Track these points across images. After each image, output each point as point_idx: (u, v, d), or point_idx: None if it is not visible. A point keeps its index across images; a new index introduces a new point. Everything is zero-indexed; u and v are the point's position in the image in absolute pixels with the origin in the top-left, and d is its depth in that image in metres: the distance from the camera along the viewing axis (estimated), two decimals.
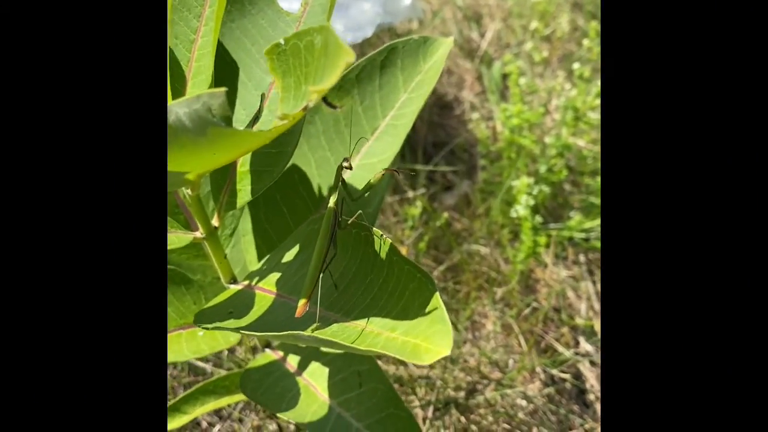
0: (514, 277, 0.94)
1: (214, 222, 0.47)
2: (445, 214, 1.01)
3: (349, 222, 0.39)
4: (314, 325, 0.38)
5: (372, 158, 0.53)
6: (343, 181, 0.39)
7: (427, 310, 0.33)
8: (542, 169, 1.01)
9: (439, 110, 1.27)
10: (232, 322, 0.42)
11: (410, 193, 1.09)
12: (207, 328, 0.41)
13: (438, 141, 1.20)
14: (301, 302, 0.38)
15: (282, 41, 0.27)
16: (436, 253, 1.01)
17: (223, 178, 0.46)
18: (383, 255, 0.38)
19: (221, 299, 0.48)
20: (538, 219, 0.93)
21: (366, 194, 0.41)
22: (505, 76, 1.29)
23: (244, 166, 0.45)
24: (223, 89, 0.23)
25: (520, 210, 0.85)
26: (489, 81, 1.28)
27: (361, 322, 0.37)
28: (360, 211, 0.39)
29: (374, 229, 0.39)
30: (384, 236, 0.38)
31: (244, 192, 0.45)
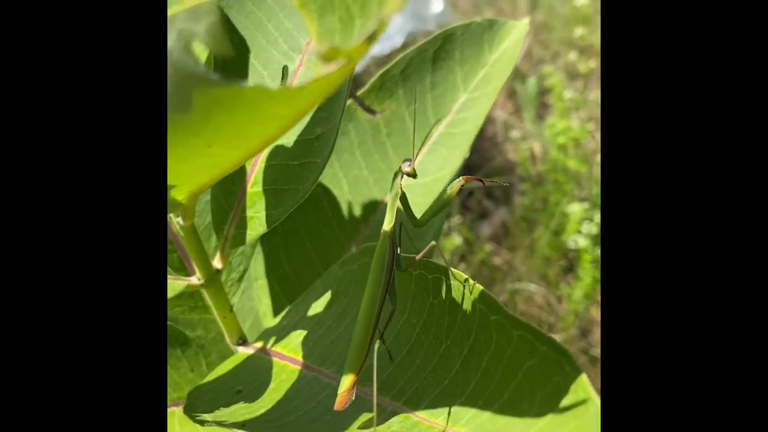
0: (571, 320, 0.80)
1: (216, 263, 0.35)
2: (487, 247, 0.88)
3: (416, 259, 0.26)
4: (366, 418, 0.25)
5: (425, 176, 0.41)
6: (404, 196, 0.26)
7: (563, 405, 0.20)
8: (596, 190, 0.88)
9: None
10: (240, 410, 0.29)
11: (444, 224, 0.96)
12: (205, 422, 0.28)
13: (471, 164, 1.08)
14: (346, 383, 0.25)
15: None
16: None
17: (229, 202, 0.34)
18: (469, 309, 0.25)
19: (225, 370, 0.35)
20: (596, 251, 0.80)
21: (434, 217, 0.28)
22: (540, 93, 1.17)
23: (256, 185, 0.33)
24: None
25: (580, 241, 0.72)
26: (524, 98, 1.16)
27: (438, 418, 0.24)
28: (433, 242, 0.26)
29: (453, 269, 0.26)
30: (469, 280, 0.25)
31: (256, 220, 0.33)
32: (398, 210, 0.26)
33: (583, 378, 0.20)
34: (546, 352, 0.21)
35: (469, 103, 0.41)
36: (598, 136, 1.07)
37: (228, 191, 0.34)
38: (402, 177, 0.26)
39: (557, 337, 0.80)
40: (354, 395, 0.25)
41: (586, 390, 0.19)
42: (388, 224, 0.26)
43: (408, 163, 0.26)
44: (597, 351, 0.79)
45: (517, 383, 0.22)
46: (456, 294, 0.26)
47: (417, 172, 0.26)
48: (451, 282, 0.26)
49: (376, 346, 0.25)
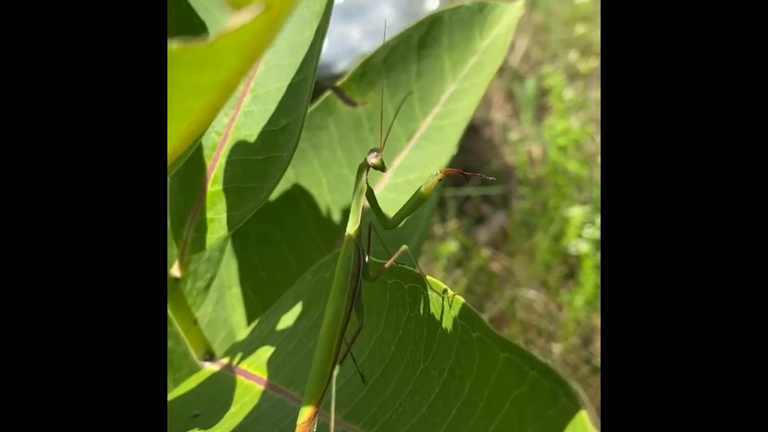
0: (572, 329, 0.76)
1: (175, 271, 0.31)
2: (484, 253, 0.85)
3: (386, 266, 0.23)
4: None
5: (410, 173, 0.37)
6: (371, 192, 0.23)
7: None
8: (597, 193, 0.84)
9: (467, 133, 1.12)
10: None
11: (439, 229, 0.92)
12: None
13: (468, 167, 1.04)
14: (306, 414, 0.22)
15: None
16: (473, 299, 0.84)
17: (187, 204, 0.31)
18: (449, 324, 0.22)
19: (186, 389, 0.32)
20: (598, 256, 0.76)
21: (407, 217, 0.25)
22: (539, 95, 1.14)
23: (216, 183, 0.29)
24: None
25: (581, 245, 0.69)
26: (522, 100, 1.13)
27: None
28: (404, 247, 0.22)
29: (430, 278, 0.23)
30: (448, 291, 0.22)
31: (217, 223, 0.29)
32: (366, 209, 0.22)
33: (583, 414, 0.16)
34: (537, 378, 0.17)
35: (458, 94, 0.38)
36: (598, 137, 1.03)
37: (186, 192, 0.31)
38: (368, 170, 0.22)
39: (558, 347, 0.76)
40: (315, 426, 0.22)
41: (585, 428, 0.16)
42: (352, 226, 0.22)
43: (375, 153, 0.22)
44: (599, 360, 0.75)
45: (503, 414, 0.18)
46: (435, 307, 0.22)
47: (385, 164, 0.22)
48: (429, 293, 0.22)
49: (335, 372, 0.21)
